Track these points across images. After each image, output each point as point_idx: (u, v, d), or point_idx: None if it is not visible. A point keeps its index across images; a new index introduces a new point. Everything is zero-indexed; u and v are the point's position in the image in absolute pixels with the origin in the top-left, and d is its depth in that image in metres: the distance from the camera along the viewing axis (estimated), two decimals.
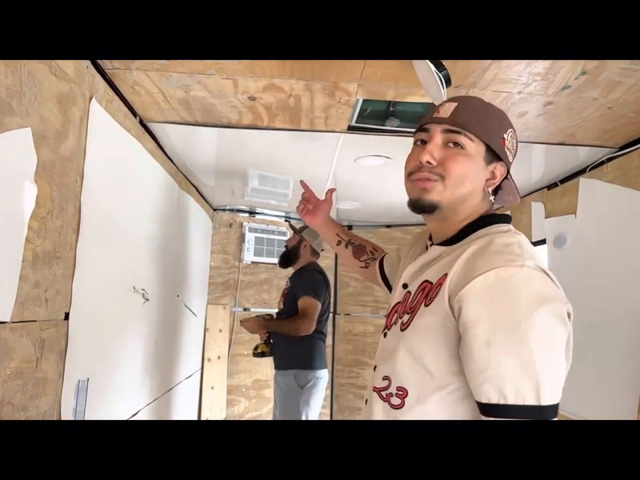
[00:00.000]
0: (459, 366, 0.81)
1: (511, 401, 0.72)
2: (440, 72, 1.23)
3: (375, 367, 0.98)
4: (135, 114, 1.75)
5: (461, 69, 1.36)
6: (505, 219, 0.93)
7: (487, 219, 0.92)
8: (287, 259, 2.81)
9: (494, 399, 0.73)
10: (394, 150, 2.09)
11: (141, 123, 1.83)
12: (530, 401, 0.71)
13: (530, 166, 2.27)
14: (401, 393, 0.86)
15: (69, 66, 1.23)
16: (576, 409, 2.16)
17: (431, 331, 0.84)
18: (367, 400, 0.98)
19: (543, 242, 2.50)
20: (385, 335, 0.99)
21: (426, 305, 0.86)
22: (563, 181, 2.36)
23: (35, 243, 1.11)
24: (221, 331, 3.53)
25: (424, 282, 0.90)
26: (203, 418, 3.35)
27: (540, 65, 1.33)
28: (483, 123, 0.90)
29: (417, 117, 1.77)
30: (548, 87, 1.46)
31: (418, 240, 1.12)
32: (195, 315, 3.11)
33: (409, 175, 0.94)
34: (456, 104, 0.91)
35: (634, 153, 1.86)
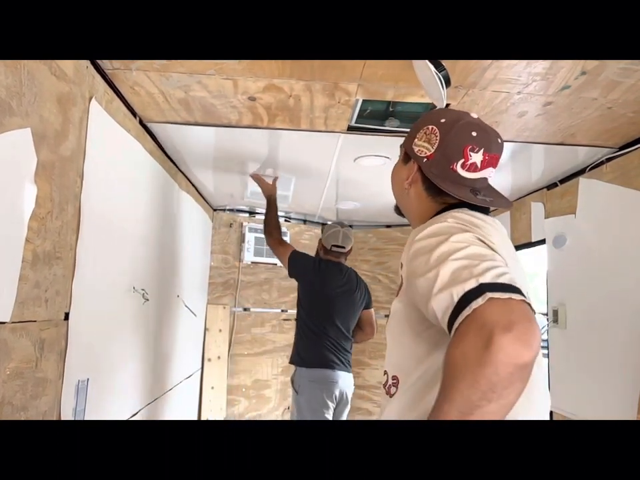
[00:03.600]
0: (426, 343, 0.86)
1: (456, 298, 0.70)
2: (439, 72, 1.23)
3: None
4: (134, 114, 1.75)
5: (461, 68, 1.36)
6: (458, 206, 0.95)
7: (439, 212, 0.97)
8: None
9: (449, 312, 0.71)
10: (393, 150, 2.08)
11: (141, 123, 1.83)
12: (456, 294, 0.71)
13: (530, 166, 2.27)
14: (395, 381, 0.91)
15: (68, 66, 1.23)
16: (576, 409, 2.16)
17: (398, 314, 0.92)
18: None
19: (542, 242, 2.51)
20: None
21: (396, 296, 0.96)
22: (562, 181, 2.37)
23: (35, 243, 1.11)
24: (220, 330, 3.53)
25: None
26: (203, 418, 3.35)
27: (540, 65, 1.33)
28: (409, 132, 1.05)
29: (417, 117, 1.76)
30: (548, 87, 1.46)
31: None
32: (195, 315, 3.11)
33: None
34: None
35: (633, 153, 1.86)
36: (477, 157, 0.95)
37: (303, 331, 2.56)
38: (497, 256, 0.77)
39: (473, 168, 0.95)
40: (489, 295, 0.67)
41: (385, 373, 0.96)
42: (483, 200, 0.94)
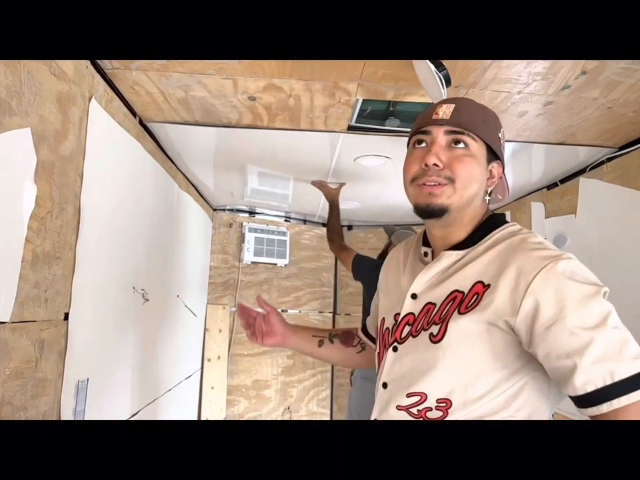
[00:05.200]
0: (506, 369, 0.81)
1: (617, 378, 0.71)
2: (440, 72, 1.23)
3: (385, 384, 0.93)
4: (134, 114, 1.75)
5: (461, 68, 1.36)
6: (506, 219, 0.95)
7: (495, 220, 0.92)
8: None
9: (600, 384, 0.71)
10: (394, 150, 2.09)
11: (141, 122, 1.83)
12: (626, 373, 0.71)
13: (530, 166, 2.27)
14: (443, 405, 0.83)
15: (68, 66, 1.23)
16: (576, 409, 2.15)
17: (475, 338, 0.82)
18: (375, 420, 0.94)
19: None
20: (394, 349, 0.93)
21: (461, 313, 0.83)
22: (562, 180, 2.37)
23: (35, 243, 1.11)
24: (220, 331, 3.53)
25: (454, 292, 0.86)
26: (203, 418, 3.36)
27: (540, 65, 1.33)
28: (483, 123, 0.91)
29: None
30: (548, 87, 1.46)
31: (406, 249, 1.08)
32: (195, 315, 3.11)
33: (413, 179, 0.91)
34: (454, 105, 0.91)
35: (634, 152, 1.86)
36: None
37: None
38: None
39: None
40: None
41: (416, 394, 0.86)
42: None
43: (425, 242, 0.99)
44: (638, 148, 1.83)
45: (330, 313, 4.00)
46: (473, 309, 0.82)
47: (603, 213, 2.05)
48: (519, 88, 1.48)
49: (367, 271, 2.53)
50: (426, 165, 0.88)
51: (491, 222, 0.92)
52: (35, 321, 1.13)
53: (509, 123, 1.75)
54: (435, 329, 0.86)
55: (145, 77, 1.48)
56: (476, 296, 0.82)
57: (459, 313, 0.83)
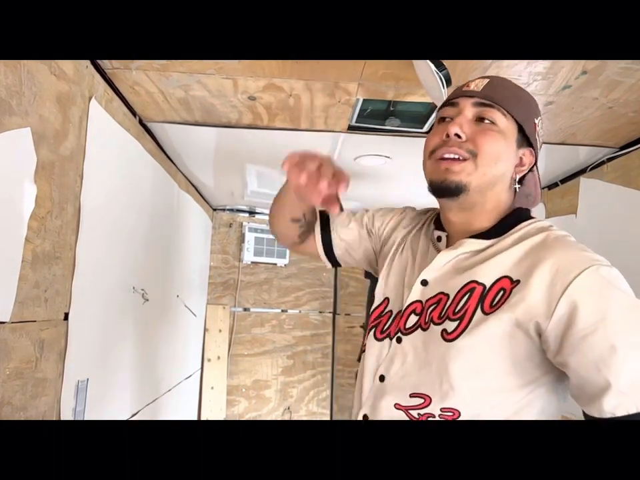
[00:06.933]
0: (523, 378, 0.74)
1: None
2: (440, 72, 1.23)
3: (383, 377, 0.84)
4: (134, 114, 1.75)
5: (462, 68, 1.35)
6: (529, 215, 0.87)
7: (522, 213, 0.85)
8: None
9: (632, 409, 0.64)
10: (394, 149, 2.08)
11: (141, 122, 1.83)
12: None
13: None
14: (449, 414, 0.75)
15: (68, 66, 1.23)
16: (576, 409, 2.15)
17: (497, 341, 0.73)
18: (365, 416, 0.84)
19: None
20: (398, 340, 0.84)
21: (486, 313, 0.74)
22: (563, 180, 2.36)
23: (35, 243, 1.11)
24: (220, 331, 3.54)
25: (471, 282, 0.78)
26: (203, 418, 3.36)
27: (540, 65, 1.33)
28: (517, 101, 0.83)
29: (418, 117, 1.77)
30: (548, 87, 1.46)
31: (415, 225, 0.99)
32: (195, 315, 3.11)
33: (432, 152, 0.83)
34: (488, 80, 0.85)
35: (634, 152, 1.86)
36: None
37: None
38: None
39: None
40: None
41: (420, 396, 0.78)
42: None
43: (439, 225, 0.91)
44: (638, 148, 1.83)
45: (330, 312, 4.00)
46: (499, 307, 0.73)
47: (603, 213, 2.05)
48: None
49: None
50: (447, 136, 0.80)
51: (518, 214, 0.84)
52: (34, 321, 1.13)
53: None
54: (450, 326, 0.76)
55: (145, 76, 1.47)
56: (502, 292, 0.73)
57: (484, 314, 0.74)
